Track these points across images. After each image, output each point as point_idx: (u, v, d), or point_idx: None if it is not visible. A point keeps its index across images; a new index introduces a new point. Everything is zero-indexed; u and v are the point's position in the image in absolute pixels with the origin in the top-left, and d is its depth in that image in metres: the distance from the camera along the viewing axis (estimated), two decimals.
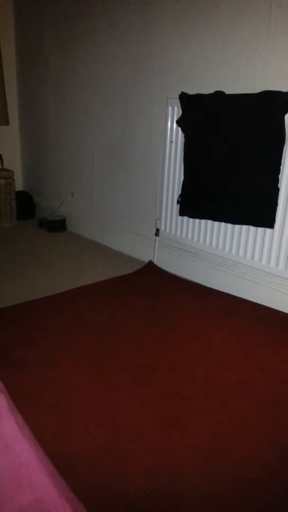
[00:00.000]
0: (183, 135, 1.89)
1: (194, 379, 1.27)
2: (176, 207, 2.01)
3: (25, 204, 3.12)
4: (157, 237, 2.19)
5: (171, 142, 1.97)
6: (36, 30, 2.84)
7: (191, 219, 1.97)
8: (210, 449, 0.99)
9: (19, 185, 3.21)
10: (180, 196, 1.96)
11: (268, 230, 1.68)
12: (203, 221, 1.93)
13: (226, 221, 1.81)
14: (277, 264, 1.69)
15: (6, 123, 3.04)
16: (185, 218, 1.99)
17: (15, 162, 3.21)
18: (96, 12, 2.33)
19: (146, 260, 2.28)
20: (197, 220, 1.95)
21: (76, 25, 2.49)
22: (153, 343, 1.46)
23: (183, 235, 2.02)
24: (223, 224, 1.84)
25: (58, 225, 2.84)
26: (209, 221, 1.90)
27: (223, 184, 1.77)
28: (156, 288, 1.97)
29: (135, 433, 1.03)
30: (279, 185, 1.60)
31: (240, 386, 1.24)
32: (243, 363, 1.36)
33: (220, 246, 1.88)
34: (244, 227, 1.76)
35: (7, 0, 2.94)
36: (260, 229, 1.71)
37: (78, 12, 2.46)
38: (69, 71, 2.64)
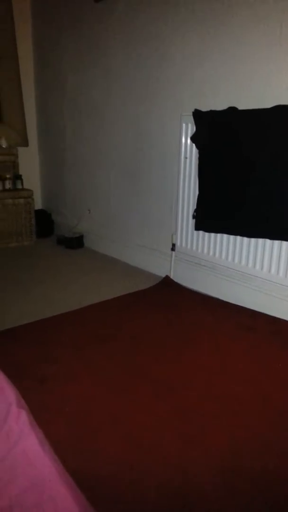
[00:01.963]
0: (197, 150, 1.92)
1: (212, 394, 1.26)
2: (192, 222, 2.02)
3: (44, 222, 3.19)
4: (173, 252, 2.20)
5: (186, 158, 2.00)
6: (54, 55, 2.95)
7: (206, 233, 1.98)
8: (229, 465, 0.98)
9: (38, 204, 3.29)
10: (196, 210, 1.97)
11: (285, 243, 1.68)
12: (219, 235, 1.93)
13: (242, 235, 1.81)
14: None
15: (26, 144, 3.14)
16: (201, 232, 2.01)
17: (34, 182, 3.30)
18: (110, 34, 2.42)
19: (163, 275, 2.30)
20: (212, 234, 1.96)
21: (92, 48, 2.58)
22: (171, 358, 1.47)
23: (199, 249, 2.03)
24: (239, 237, 1.85)
25: (75, 242, 2.89)
26: (225, 235, 1.90)
27: (238, 198, 1.78)
28: (173, 303, 1.97)
29: (154, 448, 1.03)
30: None
31: (259, 401, 1.23)
32: (262, 378, 1.35)
33: (236, 260, 1.88)
34: (260, 240, 1.76)
35: (26, 25, 3.07)
36: (276, 242, 1.71)
37: (93, 35, 2.55)
38: (85, 93, 2.72)
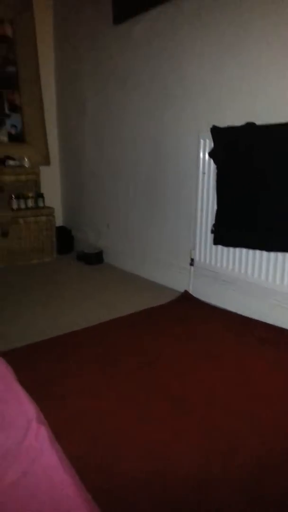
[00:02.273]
0: (215, 166, 1.93)
1: (232, 411, 1.24)
2: (210, 237, 2.02)
3: (64, 239, 3.25)
4: (192, 267, 2.20)
5: (204, 173, 2.01)
6: (74, 77, 3.04)
7: (225, 248, 1.98)
8: (251, 482, 0.96)
9: (58, 221, 3.36)
10: (214, 225, 1.97)
11: None
12: (237, 249, 1.92)
13: (261, 249, 1.80)
14: None
15: (48, 163, 3.23)
16: (220, 247, 2.00)
17: (55, 199, 3.38)
18: (129, 54, 2.48)
19: (182, 289, 2.29)
20: (231, 249, 1.95)
21: (110, 69, 2.66)
22: (190, 373, 1.45)
23: (218, 264, 2.03)
24: (258, 251, 1.83)
25: (95, 258, 2.92)
26: (244, 249, 1.89)
27: (257, 212, 1.77)
28: (193, 318, 1.96)
29: (174, 465, 1.02)
30: None
31: (282, 417, 1.20)
32: (284, 394, 1.32)
33: (256, 274, 1.86)
34: (280, 254, 1.74)
35: (48, 50, 3.19)
36: None
37: (111, 57, 2.63)
38: (104, 112, 2.79)
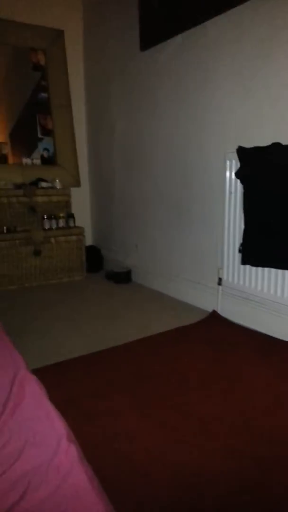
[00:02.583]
0: (242, 186, 1.94)
1: (264, 435, 1.21)
2: (238, 256, 2.02)
3: (94, 258, 3.31)
4: (220, 286, 2.19)
5: (231, 193, 2.03)
6: (104, 102, 3.16)
7: (254, 268, 1.96)
8: (282, 509, 0.94)
9: (88, 240, 3.44)
10: (242, 245, 1.97)
11: None
12: (266, 269, 1.91)
13: None
14: None
15: (78, 185, 3.34)
16: (248, 266, 1.99)
17: (85, 219, 3.47)
18: (156, 79, 2.56)
19: (210, 309, 2.28)
20: (260, 268, 1.94)
21: (138, 93, 2.74)
22: (219, 395, 1.44)
23: (247, 283, 2.01)
24: (287, 271, 1.81)
25: (124, 277, 2.96)
26: (273, 269, 1.87)
27: (284, 232, 1.76)
28: (221, 338, 1.94)
29: (203, 489, 1.01)
30: None
31: None
32: None
33: (286, 294, 1.83)
34: None
35: (78, 78, 3.33)
36: None
37: (139, 82, 2.71)
38: (132, 135, 2.87)
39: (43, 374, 1.14)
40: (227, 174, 2.02)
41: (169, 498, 0.99)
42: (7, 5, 2.96)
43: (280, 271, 1.84)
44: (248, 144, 1.91)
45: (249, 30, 1.92)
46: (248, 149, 1.89)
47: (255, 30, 1.89)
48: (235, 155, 1.94)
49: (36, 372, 1.08)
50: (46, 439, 0.82)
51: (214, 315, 2.22)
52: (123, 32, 2.80)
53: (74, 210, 3.19)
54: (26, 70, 3.15)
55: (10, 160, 3.10)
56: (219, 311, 2.23)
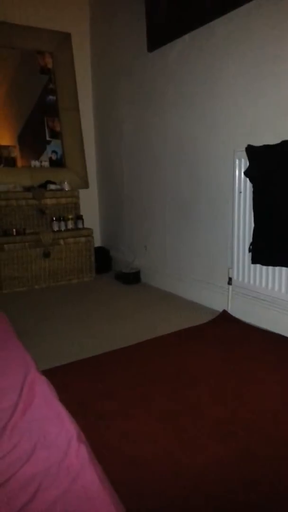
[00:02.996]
0: (251, 185, 1.93)
1: (277, 437, 1.20)
2: (248, 255, 2.00)
3: (103, 259, 3.32)
4: (230, 286, 2.17)
5: (240, 192, 2.01)
6: (111, 103, 3.17)
7: (264, 267, 1.94)
8: None
9: (97, 242, 3.44)
10: (252, 244, 1.95)
11: None
12: (277, 268, 1.89)
13: None
14: None
15: (86, 186, 3.34)
16: (258, 265, 1.97)
17: (94, 221, 3.48)
18: (163, 79, 2.56)
19: (220, 309, 2.26)
20: (270, 267, 1.92)
21: (146, 94, 2.74)
22: (231, 396, 1.42)
23: (257, 283, 1.99)
24: None
25: (132, 278, 2.95)
26: (284, 268, 1.85)
27: None
28: (232, 338, 1.93)
29: (216, 495, 1.00)
30: None
31: None
32: None
33: None
34: None
35: (86, 80, 3.35)
36: None
37: (147, 82, 2.71)
38: (140, 136, 2.87)
39: (53, 375, 1.14)
40: (236, 173, 2.01)
41: (180, 501, 0.98)
42: (14, 9, 2.99)
43: None
44: (257, 142, 1.89)
45: (254, 29, 1.90)
46: (258, 148, 1.87)
47: (260, 29, 1.87)
48: (244, 154, 1.93)
49: (46, 373, 1.08)
50: (56, 439, 0.82)
51: (225, 315, 2.20)
52: (130, 33, 2.81)
53: (82, 211, 3.20)
54: (33, 73, 3.18)
55: (19, 163, 3.12)
56: (229, 311, 2.21)
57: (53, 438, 0.82)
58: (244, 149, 1.92)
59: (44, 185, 3.05)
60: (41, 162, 3.18)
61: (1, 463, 0.75)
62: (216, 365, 1.66)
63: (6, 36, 2.99)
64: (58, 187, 3.08)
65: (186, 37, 2.32)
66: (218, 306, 2.29)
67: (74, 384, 1.53)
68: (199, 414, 1.32)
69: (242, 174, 1.97)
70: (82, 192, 3.26)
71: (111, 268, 3.35)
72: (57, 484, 0.71)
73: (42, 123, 3.21)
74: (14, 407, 0.90)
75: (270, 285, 1.93)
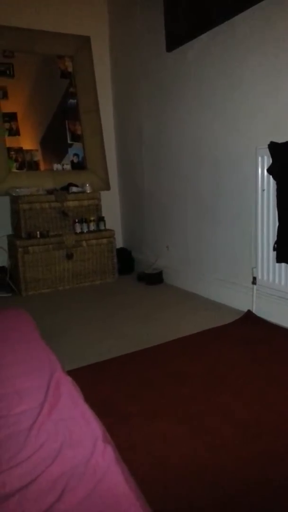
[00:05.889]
0: (274, 182, 1.89)
1: None
2: (273, 254, 1.96)
3: (125, 260, 3.33)
4: (254, 286, 2.14)
5: (263, 190, 1.97)
6: (131, 104, 3.18)
7: None
8: None
9: (119, 243, 3.46)
10: (276, 242, 1.91)
11: None
12: None
13: None
14: None
15: (108, 188, 3.36)
16: (284, 264, 1.93)
17: (115, 222, 3.49)
18: (183, 79, 2.54)
19: (244, 309, 2.23)
20: None
21: (165, 94, 2.73)
22: (256, 398, 1.40)
23: (282, 282, 1.95)
24: None
25: (155, 278, 2.95)
26: None
27: None
28: (257, 339, 1.89)
29: (240, 497, 0.98)
30: None
31: None
32: None
33: None
34: None
35: (106, 82, 3.37)
36: None
37: (166, 82, 2.71)
38: (160, 135, 2.86)
39: (77, 375, 1.15)
40: (259, 170, 1.97)
41: (205, 503, 0.97)
42: (34, 15, 3.04)
43: None
44: (280, 139, 1.85)
45: (273, 26, 1.87)
46: (280, 144, 1.84)
47: (279, 25, 1.84)
48: (267, 151, 1.89)
49: (71, 373, 1.09)
50: (82, 439, 0.82)
51: (249, 315, 2.17)
52: (149, 34, 2.81)
53: (104, 213, 3.22)
54: (54, 77, 3.22)
55: (42, 166, 3.17)
56: (254, 311, 2.18)
57: (79, 438, 0.82)
58: (266, 146, 1.89)
59: (66, 188, 3.08)
60: (63, 165, 3.21)
61: (28, 462, 0.76)
62: (242, 366, 1.63)
63: (27, 41, 3.04)
64: (80, 189, 3.11)
65: (206, 35, 2.30)
66: (242, 306, 2.25)
67: (99, 385, 1.54)
68: (224, 416, 1.30)
69: (265, 171, 1.94)
70: (104, 194, 3.28)
71: (133, 269, 3.36)
72: (83, 484, 0.71)
73: (63, 126, 3.25)
74: (41, 407, 0.91)
75: None
